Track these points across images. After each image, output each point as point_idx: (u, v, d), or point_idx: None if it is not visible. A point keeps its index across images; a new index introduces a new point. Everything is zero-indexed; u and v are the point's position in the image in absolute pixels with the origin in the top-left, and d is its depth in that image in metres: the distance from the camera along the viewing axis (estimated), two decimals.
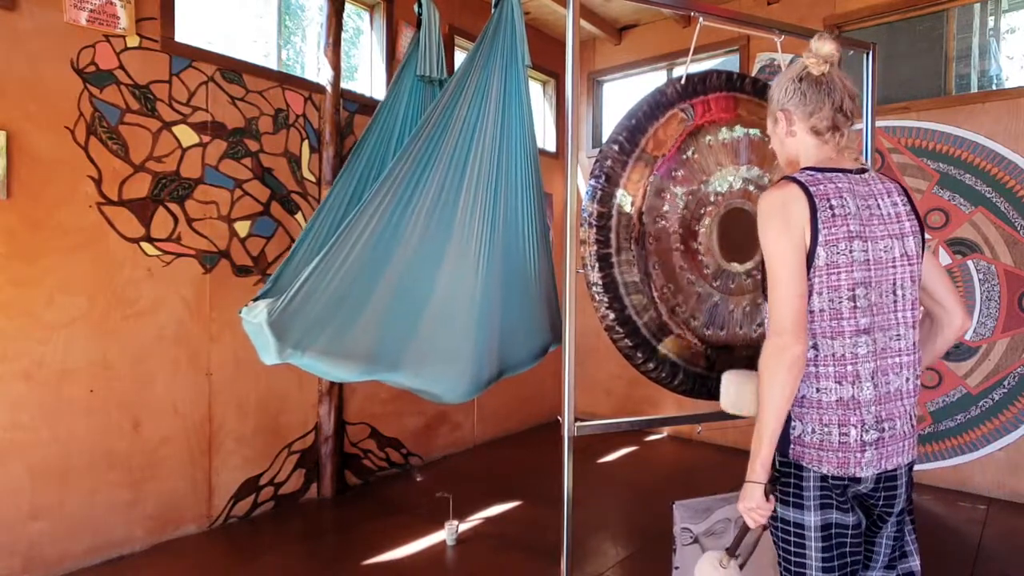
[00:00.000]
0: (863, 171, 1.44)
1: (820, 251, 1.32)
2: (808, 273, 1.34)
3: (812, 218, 1.32)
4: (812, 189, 1.34)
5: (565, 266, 1.99)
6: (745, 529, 1.49)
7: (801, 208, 1.32)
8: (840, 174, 1.39)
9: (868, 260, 1.35)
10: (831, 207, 1.33)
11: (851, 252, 1.33)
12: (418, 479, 3.75)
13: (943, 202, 3.90)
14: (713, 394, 2.24)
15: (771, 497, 1.36)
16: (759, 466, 1.33)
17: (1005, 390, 3.75)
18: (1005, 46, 4.25)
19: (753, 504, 1.34)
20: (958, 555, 3.02)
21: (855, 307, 1.34)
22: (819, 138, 1.44)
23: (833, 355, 1.35)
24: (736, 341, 2.23)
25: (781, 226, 1.33)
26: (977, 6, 4.16)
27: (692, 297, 2.15)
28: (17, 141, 2.59)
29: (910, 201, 1.44)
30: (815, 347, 1.36)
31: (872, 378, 1.35)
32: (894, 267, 1.38)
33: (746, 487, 1.36)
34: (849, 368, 1.35)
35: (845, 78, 1.45)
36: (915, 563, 1.49)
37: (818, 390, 1.37)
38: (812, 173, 1.39)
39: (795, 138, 1.47)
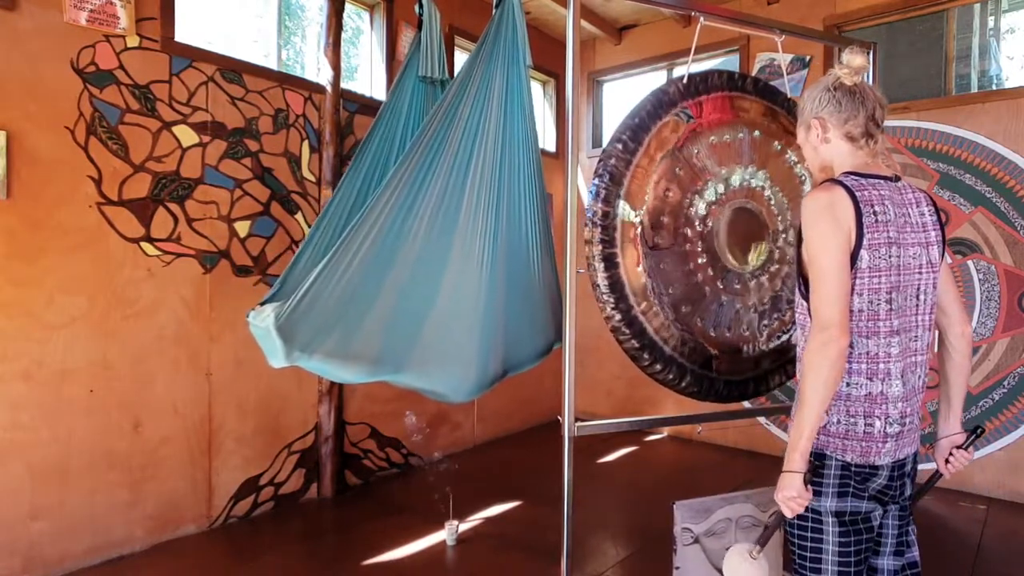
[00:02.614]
0: (897, 179, 1.50)
1: (864, 254, 1.39)
2: (850, 274, 1.40)
3: (858, 221, 1.38)
4: (858, 194, 1.40)
5: (566, 266, 1.99)
6: (779, 520, 1.52)
7: (848, 210, 1.38)
8: (881, 181, 1.46)
9: (900, 266, 1.42)
10: (875, 213, 1.40)
11: (889, 257, 1.40)
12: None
13: (943, 202, 3.90)
14: (720, 396, 2.24)
15: (808, 486, 1.39)
16: (799, 456, 1.37)
17: (1005, 390, 3.75)
18: (1005, 46, 4.25)
19: (793, 493, 1.37)
20: (958, 555, 3.02)
21: (891, 309, 1.41)
22: (853, 144, 1.50)
23: (867, 353, 1.42)
24: (743, 342, 2.22)
25: (829, 225, 1.38)
26: (977, 6, 4.16)
27: (698, 298, 2.15)
28: (17, 141, 2.58)
29: (937, 212, 1.52)
30: (850, 345, 1.41)
31: (901, 376, 1.43)
32: (920, 274, 1.45)
33: (784, 477, 1.39)
34: (881, 366, 1.42)
35: (875, 88, 1.52)
36: (916, 553, 1.55)
37: (848, 384, 1.44)
38: (856, 179, 1.44)
39: (829, 144, 1.54)
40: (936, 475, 1.64)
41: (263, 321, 2.22)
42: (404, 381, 2.48)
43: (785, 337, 2.28)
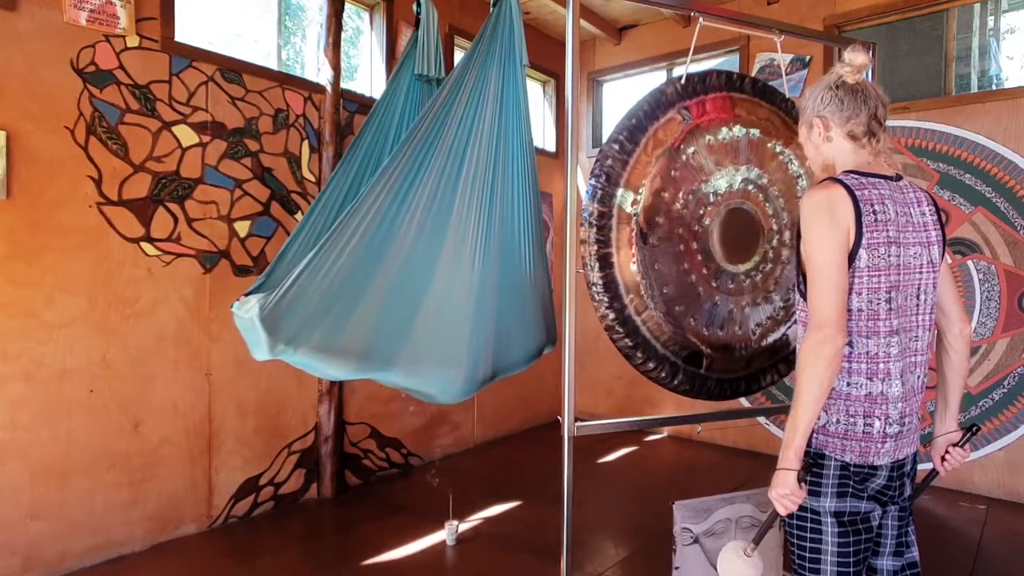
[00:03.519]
0: (899, 178, 1.50)
1: (863, 253, 1.38)
2: (848, 273, 1.39)
3: (857, 220, 1.37)
4: (857, 193, 1.39)
5: (565, 266, 2.00)
6: (773, 518, 1.52)
7: (847, 209, 1.38)
8: (881, 180, 1.45)
9: (900, 265, 1.41)
10: (874, 212, 1.39)
11: (889, 256, 1.40)
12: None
13: (943, 202, 3.90)
14: (712, 394, 2.25)
15: (803, 484, 1.39)
16: (792, 454, 1.37)
17: (1005, 390, 3.74)
18: (1005, 46, 4.25)
19: (787, 491, 1.37)
20: (958, 555, 3.02)
21: (890, 309, 1.41)
22: (856, 143, 1.50)
23: (867, 353, 1.41)
24: (735, 341, 2.23)
25: (828, 224, 1.37)
26: (977, 6, 4.16)
27: (692, 297, 2.15)
28: (17, 141, 2.59)
29: (937, 211, 1.52)
30: (850, 344, 1.41)
31: (901, 376, 1.42)
32: (920, 273, 1.45)
33: (778, 474, 1.39)
34: (881, 366, 1.41)
35: (877, 87, 1.51)
36: (916, 553, 1.55)
37: (848, 384, 1.43)
38: (856, 177, 1.44)
39: (831, 143, 1.53)
40: (932, 473, 1.64)
41: (247, 312, 2.16)
42: (392, 380, 2.44)
43: (777, 336, 2.29)
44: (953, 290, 1.57)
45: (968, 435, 1.59)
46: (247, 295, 2.37)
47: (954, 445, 1.59)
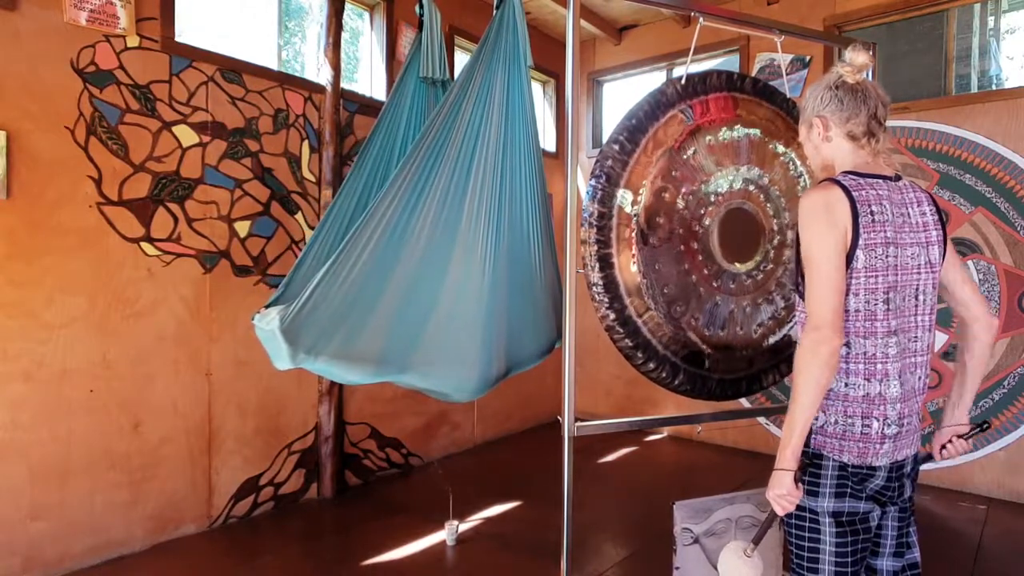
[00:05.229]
0: (898, 178, 1.49)
1: (860, 254, 1.38)
2: (845, 274, 1.39)
3: (854, 221, 1.38)
4: (855, 194, 1.39)
5: (565, 266, 2.00)
6: (771, 518, 1.52)
7: (844, 210, 1.38)
8: (880, 180, 1.45)
9: (897, 266, 1.41)
10: (871, 212, 1.39)
11: (887, 257, 1.40)
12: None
13: (943, 202, 3.90)
14: (713, 394, 2.25)
15: (800, 484, 1.39)
16: (789, 454, 1.37)
17: (1005, 390, 3.75)
18: (1005, 46, 4.25)
19: (784, 491, 1.38)
20: (958, 555, 3.02)
21: (888, 310, 1.41)
22: (855, 143, 1.50)
23: (864, 354, 1.41)
24: (736, 341, 2.23)
25: (825, 225, 1.37)
26: (977, 6, 4.16)
27: (692, 297, 2.15)
28: (17, 141, 2.59)
29: (938, 211, 1.51)
30: (847, 345, 1.41)
31: (899, 377, 1.42)
32: (918, 274, 1.45)
33: (776, 475, 1.39)
34: (879, 367, 1.41)
35: (878, 87, 1.51)
36: (917, 554, 1.55)
37: (846, 385, 1.43)
38: (854, 178, 1.44)
39: (831, 143, 1.53)
40: (926, 457, 1.61)
41: (268, 324, 2.24)
42: (408, 381, 2.49)
43: (778, 336, 2.29)
44: (971, 284, 1.57)
45: (976, 429, 1.58)
46: (267, 307, 2.45)
47: (959, 436, 1.58)
